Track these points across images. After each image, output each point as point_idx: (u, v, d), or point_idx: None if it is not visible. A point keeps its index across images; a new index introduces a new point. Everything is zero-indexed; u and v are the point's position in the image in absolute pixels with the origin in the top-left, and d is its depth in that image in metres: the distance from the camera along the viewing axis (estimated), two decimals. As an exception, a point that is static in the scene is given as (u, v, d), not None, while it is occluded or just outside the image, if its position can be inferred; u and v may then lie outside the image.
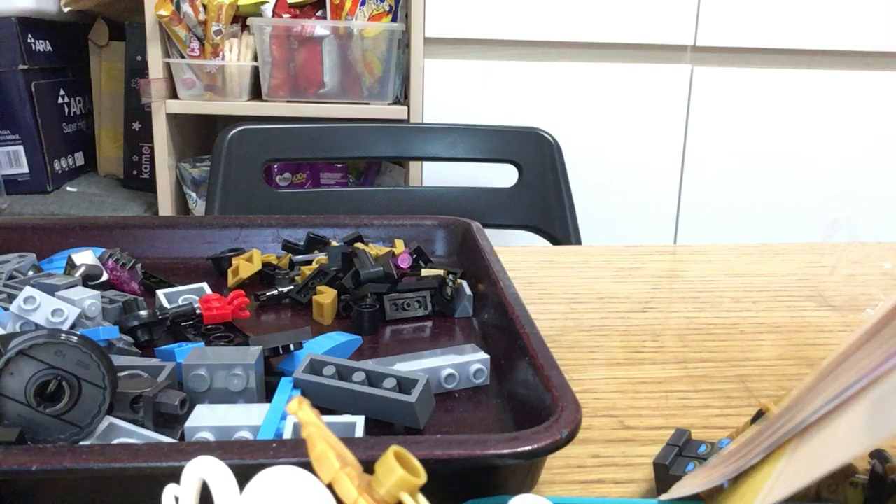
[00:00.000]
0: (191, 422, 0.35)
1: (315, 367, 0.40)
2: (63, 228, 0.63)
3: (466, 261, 0.62)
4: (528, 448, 0.31)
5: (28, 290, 0.43)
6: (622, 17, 1.38)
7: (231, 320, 0.51)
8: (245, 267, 0.59)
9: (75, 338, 0.34)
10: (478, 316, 0.54)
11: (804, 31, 1.41)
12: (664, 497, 0.32)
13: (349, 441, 0.30)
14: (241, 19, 1.38)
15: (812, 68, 1.45)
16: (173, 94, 1.38)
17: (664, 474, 0.34)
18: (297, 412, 0.23)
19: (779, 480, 0.24)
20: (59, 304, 0.43)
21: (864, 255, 0.73)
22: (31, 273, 0.52)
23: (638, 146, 1.45)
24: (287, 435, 0.35)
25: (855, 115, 1.47)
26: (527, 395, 0.39)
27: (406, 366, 0.42)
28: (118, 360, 0.40)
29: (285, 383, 0.40)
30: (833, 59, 1.45)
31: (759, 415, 0.35)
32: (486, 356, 0.44)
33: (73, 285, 0.48)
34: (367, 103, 1.38)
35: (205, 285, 0.55)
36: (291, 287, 0.56)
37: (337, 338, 0.47)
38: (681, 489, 0.32)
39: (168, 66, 1.36)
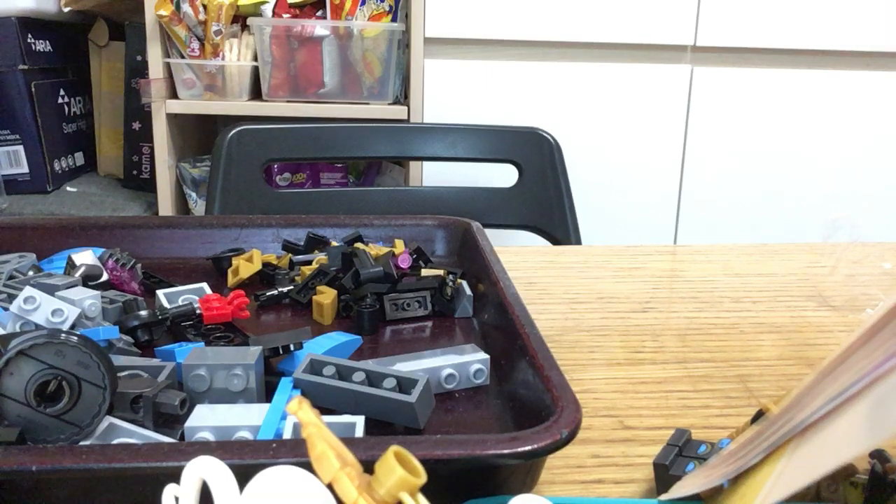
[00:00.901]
0: (191, 422, 0.35)
1: (315, 367, 0.40)
2: (63, 228, 0.63)
3: (466, 261, 0.62)
4: (528, 448, 0.31)
5: (28, 290, 0.43)
6: (622, 17, 1.38)
7: (231, 320, 0.51)
8: (245, 267, 0.59)
9: (75, 338, 0.34)
10: (478, 316, 0.54)
11: (804, 31, 1.41)
12: (664, 497, 0.32)
13: (349, 441, 0.30)
14: (241, 19, 1.38)
15: (812, 68, 1.45)
16: (173, 94, 1.38)
17: (664, 474, 0.34)
18: (297, 412, 0.23)
19: (779, 480, 0.24)
20: (59, 304, 0.43)
21: (864, 255, 0.73)
22: (31, 273, 0.52)
23: (638, 146, 1.45)
24: (287, 435, 0.35)
25: (855, 115, 1.47)
26: (527, 395, 0.39)
27: (406, 366, 0.42)
28: (118, 360, 0.40)
29: (285, 383, 0.40)
30: (833, 59, 1.45)
31: (759, 415, 0.35)
32: (486, 356, 0.44)
33: (73, 285, 0.48)
34: (367, 103, 1.38)
35: (205, 285, 0.55)
36: (291, 287, 0.56)
37: (337, 338, 0.47)
38: (681, 489, 0.32)
39: (168, 66, 1.36)
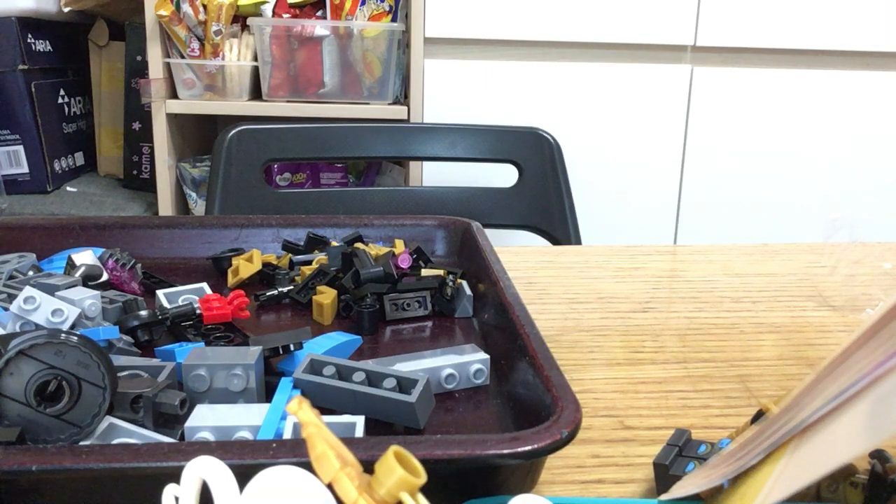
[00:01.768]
0: (191, 422, 0.35)
1: (315, 367, 0.40)
2: (63, 228, 0.63)
3: (466, 261, 0.62)
4: (528, 448, 0.31)
5: (28, 290, 0.43)
6: (622, 17, 1.38)
7: (231, 320, 0.51)
8: (245, 267, 0.59)
9: (75, 338, 0.34)
10: (478, 316, 0.54)
11: (804, 31, 1.41)
12: (664, 497, 0.32)
13: (349, 441, 0.30)
14: (241, 19, 1.38)
15: (812, 68, 1.45)
16: (173, 94, 1.38)
17: (664, 474, 0.34)
18: (297, 412, 0.23)
19: (779, 480, 0.24)
20: (59, 304, 0.43)
21: (864, 255, 0.73)
22: (31, 273, 0.52)
23: (638, 146, 1.45)
24: (287, 435, 0.35)
25: (855, 115, 1.47)
26: (527, 395, 0.39)
27: (406, 366, 0.42)
28: (118, 360, 0.40)
29: (285, 383, 0.40)
30: (833, 59, 1.45)
31: (759, 415, 0.35)
32: (486, 356, 0.44)
33: (73, 285, 0.48)
34: (367, 103, 1.38)
35: (205, 285, 0.55)
36: (291, 287, 0.56)
37: (337, 338, 0.47)
38: (681, 489, 0.32)
39: (168, 66, 1.36)
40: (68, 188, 1.53)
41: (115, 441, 0.34)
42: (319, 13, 1.39)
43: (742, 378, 0.49)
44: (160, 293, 0.53)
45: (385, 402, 0.38)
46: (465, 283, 0.55)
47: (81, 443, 0.34)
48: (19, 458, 0.29)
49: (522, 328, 0.43)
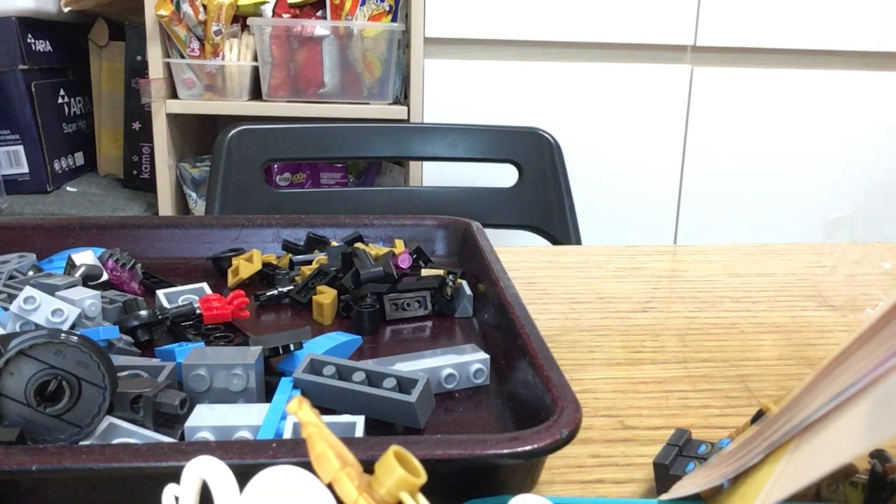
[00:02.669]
0: (191, 422, 0.35)
1: (315, 367, 0.40)
2: (63, 228, 0.63)
3: (466, 261, 0.62)
4: (528, 448, 0.31)
5: (28, 290, 0.43)
6: (622, 17, 1.38)
7: (231, 320, 0.51)
8: (245, 267, 0.59)
9: (75, 338, 0.34)
10: (478, 316, 0.54)
11: (804, 31, 1.41)
12: (664, 497, 0.32)
13: (349, 441, 0.30)
14: (241, 19, 1.38)
15: (812, 68, 1.45)
16: (173, 94, 1.38)
17: (664, 474, 0.34)
18: (297, 412, 0.23)
19: (779, 480, 0.24)
20: (59, 304, 0.43)
21: (864, 255, 0.73)
22: (31, 273, 0.52)
23: (638, 146, 1.45)
24: (287, 435, 0.35)
25: (855, 115, 1.47)
26: (527, 395, 0.39)
27: (406, 366, 0.42)
28: (118, 360, 0.40)
29: (285, 383, 0.40)
30: (833, 59, 1.45)
31: (759, 415, 0.35)
32: (486, 356, 0.44)
33: (73, 285, 0.48)
34: (367, 103, 1.38)
35: (205, 285, 0.55)
36: (291, 287, 0.56)
37: (337, 338, 0.47)
38: (681, 489, 0.32)
39: (168, 66, 1.36)
40: (68, 188, 1.53)
41: (115, 441, 0.34)
42: (319, 13, 1.39)
43: (742, 378, 0.49)
44: (160, 293, 0.53)
45: (385, 402, 0.38)
46: (465, 283, 0.55)
47: (81, 443, 0.34)
48: (19, 458, 0.29)
49: (522, 328, 0.42)
